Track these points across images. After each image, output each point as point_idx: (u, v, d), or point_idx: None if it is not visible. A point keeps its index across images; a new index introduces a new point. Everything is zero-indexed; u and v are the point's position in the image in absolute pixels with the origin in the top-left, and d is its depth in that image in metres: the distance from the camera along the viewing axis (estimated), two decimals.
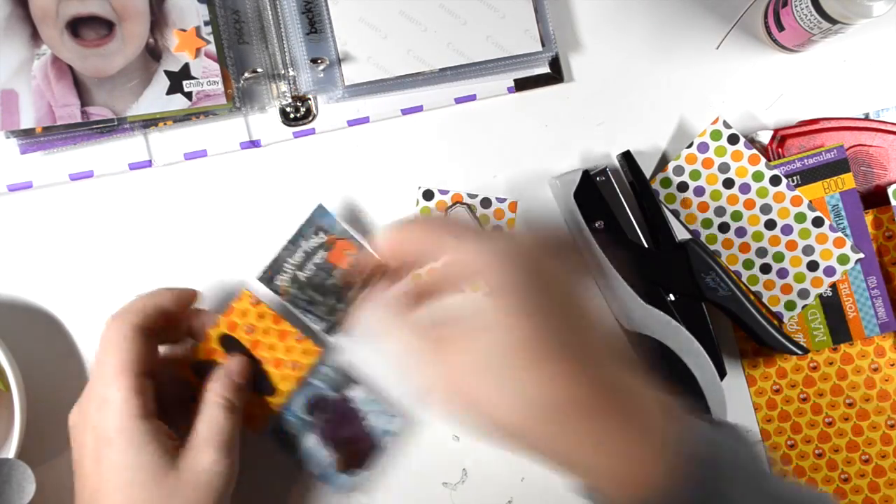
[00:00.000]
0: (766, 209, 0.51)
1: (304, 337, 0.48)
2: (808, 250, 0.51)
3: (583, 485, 0.38)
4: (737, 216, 0.51)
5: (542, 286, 0.36)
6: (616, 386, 0.37)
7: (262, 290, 0.49)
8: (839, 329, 0.51)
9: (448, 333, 0.36)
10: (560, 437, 0.36)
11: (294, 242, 0.48)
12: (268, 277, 0.48)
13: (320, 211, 0.49)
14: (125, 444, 0.41)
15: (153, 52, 0.48)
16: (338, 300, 0.49)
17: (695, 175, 0.51)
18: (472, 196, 0.51)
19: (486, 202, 0.51)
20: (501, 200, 0.51)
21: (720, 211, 0.51)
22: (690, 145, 0.51)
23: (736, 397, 0.51)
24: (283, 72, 0.50)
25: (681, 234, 0.51)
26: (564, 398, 0.35)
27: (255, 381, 0.47)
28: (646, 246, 0.49)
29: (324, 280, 0.48)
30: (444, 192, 0.51)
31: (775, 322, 0.50)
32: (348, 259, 0.49)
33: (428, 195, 0.51)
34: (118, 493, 0.41)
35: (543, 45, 0.51)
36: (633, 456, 0.35)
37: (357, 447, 0.49)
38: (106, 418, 0.41)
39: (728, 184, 0.51)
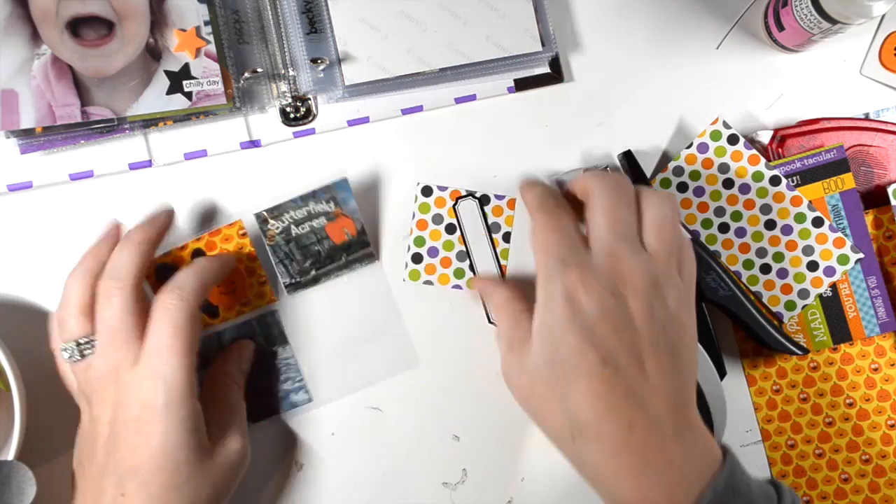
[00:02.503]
0: (765, 209, 0.51)
1: (266, 282, 0.49)
2: (808, 250, 0.51)
3: None
4: (737, 216, 0.51)
5: (588, 314, 0.40)
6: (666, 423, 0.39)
7: (252, 229, 0.49)
8: (839, 329, 0.51)
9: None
10: (587, 463, 0.39)
11: (304, 199, 0.49)
12: (263, 218, 0.49)
13: (343, 184, 0.49)
14: (174, 421, 0.41)
15: (153, 52, 0.48)
16: (314, 266, 0.50)
17: (694, 175, 0.51)
18: (470, 192, 0.51)
19: (485, 199, 0.51)
20: (500, 197, 0.51)
21: (720, 211, 0.51)
22: (690, 145, 0.51)
23: (736, 397, 0.51)
24: (283, 72, 0.50)
25: None
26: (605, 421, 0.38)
27: (206, 303, 0.49)
28: None
29: (311, 243, 0.49)
30: (442, 189, 0.51)
31: (775, 322, 0.50)
32: (343, 236, 0.49)
33: (427, 191, 0.51)
34: (160, 470, 0.40)
35: (543, 45, 0.51)
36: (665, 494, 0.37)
37: (258, 402, 0.50)
38: (158, 394, 0.41)
39: (728, 184, 0.51)
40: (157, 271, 0.48)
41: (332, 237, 0.50)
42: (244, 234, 0.49)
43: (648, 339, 0.39)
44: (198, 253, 0.49)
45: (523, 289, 0.45)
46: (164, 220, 0.47)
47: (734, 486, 0.37)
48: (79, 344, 0.43)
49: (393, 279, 0.51)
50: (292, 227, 0.49)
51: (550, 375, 0.39)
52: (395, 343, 0.51)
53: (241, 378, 0.48)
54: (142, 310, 0.43)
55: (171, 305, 0.42)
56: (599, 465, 0.38)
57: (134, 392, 0.41)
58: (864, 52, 0.52)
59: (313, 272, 0.50)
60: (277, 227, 0.49)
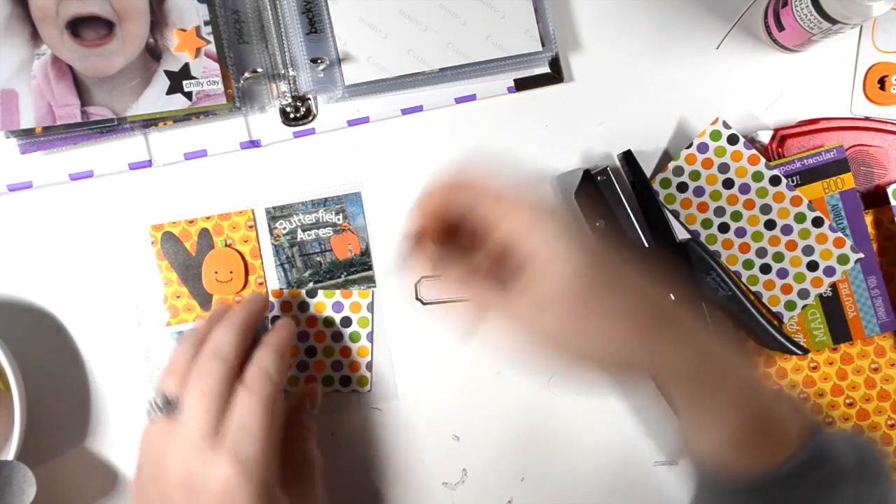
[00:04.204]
0: (765, 209, 0.51)
1: (264, 283, 0.50)
2: (807, 250, 0.51)
3: (689, 450, 0.39)
4: (737, 216, 0.51)
5: (589, 246, 0.37)
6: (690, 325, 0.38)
7: (261, 223, 0.50)
8: (839, 329, 0.51)
9: (508, 282, 0.36)
10: (654, 352, 0.37)
11: (315, 205, 0.49)
12: (273, 215, 0.49)
13: (354, 198, 0.50)
14: (253, 500, 0.40)
15: (153, 52, 0.48)
16: (312, 277, 0.50)
17: (694, 175, 0.51)
18: None
19: None
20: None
21: (720, 211, 0.51)
22: (690, 145, 0.51)
23: None
24: (283, 72, 0.50)
25: (681, 234, 0.51)
26: (646, 318, 0.36)
27: (201, 289, 0.50)
28: (646, 246, 0.49)
29: (314, 252, 0.49)
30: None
31: (775, 322, 0.50)
32: (347, 253, 0.49)
33: None
34: None
35: (543, 45, 0.51)
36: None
37: None
38: (240, 470, 0.40)
39: (728, 184, 0.51)
40: (162, 238, 0.49)
41: (335, 251, 0.50)
42: (252, 227, 0.50)
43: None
44: (204, 234, 0.49)
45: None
46: (261, 307, 0.47)
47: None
48: (168, 401, 0.42)
49: (390, 284, 0.51)
50: (299, 230, 0.49)
51: (599, 261, 0.36)
52: (377, 382, 0.51)
53: (312, 425, 0.47)
54: (230, 389, 0.42)
55: (260, 386, 0.42)
56: (688, 321, 0.37)
57: (213, 465, 0.39)
58: (849, 90, 0.53)
59: (310, 284, 0.50)
60: (285, 228, 0.49)
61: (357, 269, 0.50)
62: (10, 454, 0.44)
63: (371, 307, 0.50)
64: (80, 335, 0.50)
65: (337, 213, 0.50)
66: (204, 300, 0.50)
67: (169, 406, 0.42)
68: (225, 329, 0.44)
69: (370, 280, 0.50)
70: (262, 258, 0.50)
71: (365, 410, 0.51)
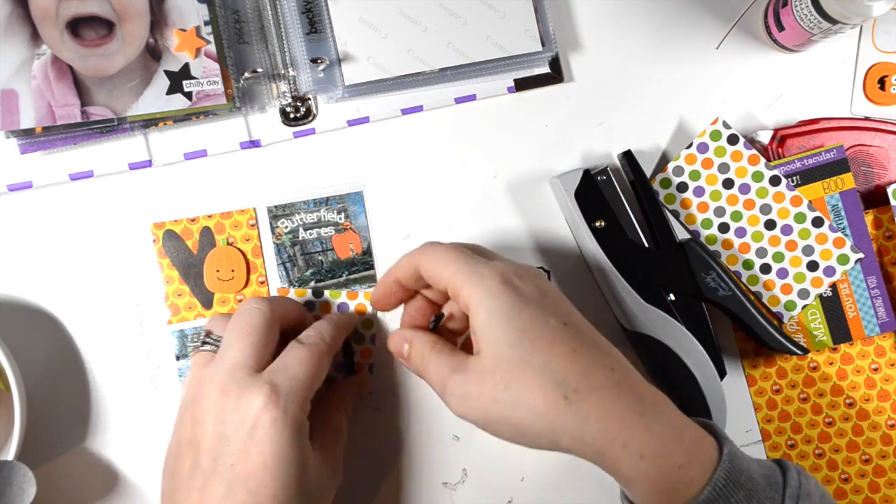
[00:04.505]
0: (765, 209, 0.51)
1: (265, 282, 0.50)
2: (807, 250, 0.51)
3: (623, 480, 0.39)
4: (737, 216, 0.51)
5: (531, 294, 0.39)
6: (630, 373, 0.39)
7: (263, 221, 0.50)
8: (839, 329, 0.51)
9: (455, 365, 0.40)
10: (590, 422, 0.38)
11: (317, 204, 0.49)
12: (274, 214, 0.49)
13: (356, 197, 0.50)
14: (290, 433, 0.40)
15: (153, 52, 0.48)
16: (314, 276, 0.50)
17: (694, 175, 0.51)
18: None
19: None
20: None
21: (720, 211, 0.51)
22: (690, 146, 0.51)
23: (736, 397, 0.51)
24: (283, 72, 0.50)
25: (681, 234, 0.51)
26: (585, 377, 0.38)
27: (202, 287, 0.50)
28: (646, 246, 0.49)
29: (316, 252, 0.49)
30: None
31: (775, 322, 0.50)
32: (348, 252, 0.49)
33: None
34: (273, 480, 0.39)
35: (543, 45, 0.51)
36: (672, 453, 0.37)
37: None
38: (277, 403, 0.40)
39: (728, 184, 0.51)
40: (164, 236, 0.49)
41: (337, 251, 0.50)
42: (253, 226, 0.50)
43: (565, 301, 0.41)
44: (206, 232, 0.49)
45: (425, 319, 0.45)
46: (351, 323, 0.48)
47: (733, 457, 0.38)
48: (212, 336, 0.44)
49: None
50: (301, 229, 0.49)
51: (519, 357, 0.37)
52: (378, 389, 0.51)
53: (351, 408, 0.48)
54: (274, 334, 0.43)
55: (311, 341, 0.43)
56: (603, 415, 0.37)
57: (250, 397, 0.40)
58: (849, 90, 0.53)
59: (312, 283, 0.50)
60: (287, 227, 0.49)
61: (359, 269, 0.50)
62: (10, 454, 0.44)
63: (376, 311, 0.50)
64: (80, 335, 0.50)
65: (339, 213, 0.50)
66: (205, 298, 0.50)
67: (212, 341, 0.43)
68: (327, 322, 0.45)
69: (372, 279, 0.50)
70: (263, 257, 0.50)
71: (365, 410, 0.51)
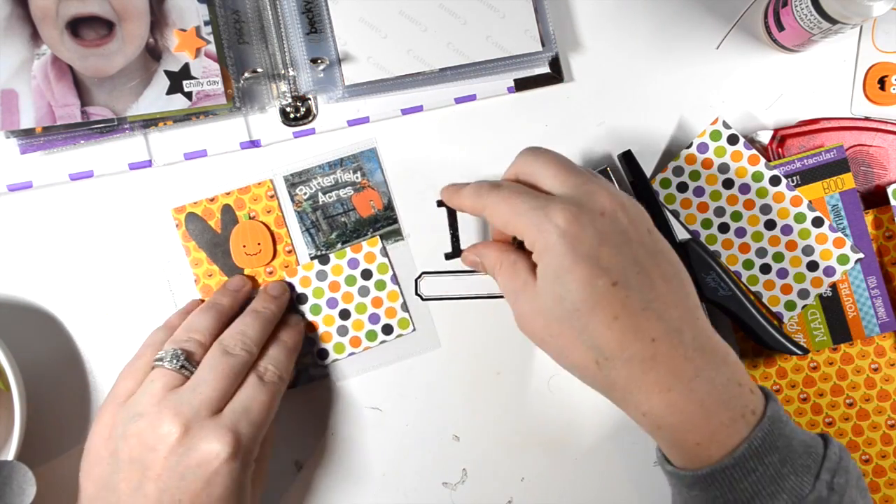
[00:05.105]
0: (765, 209, 0.51)
1: (293, 251, 0.50)
2: (807, 250, 0.51)
3: (658, 436, 0.41)
4: (737, 216, 0.51)
5: (587, 247, 0.39)
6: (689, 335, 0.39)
7: (281, 191, 0.50)
8: (839, 329, 0.51)
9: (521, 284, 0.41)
10: (616, 389, 0.39)
11: (332, 166, 0.50)
12: (291, 182, 0.49)
13: (371, 154, 0.50)
14: (240, 475, 0.42)
15: (153, 52, 0.48)
16: (339, 238, 0.50)
17: (694, 175, 0.51)
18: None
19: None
20: None
21: (720, 211, 0.51)
22: (690, 146, 0.51)
23: None
24: (283, 72, 0.50)
25: (681, 234, 0.51)
26: (632, 349, 0.38)
27: (231, 265, 0.50)
28: None
29: (338, 214, 0.49)
30: None
31: (775, 322, 0.50)
32: (370, 209, 0.50)
33: None
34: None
35: (543, 45, 0.51)
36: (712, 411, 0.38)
37: None
38: (232, 446, 0.41)
39: (728, 184, 0.51)
40: (186, 219, 0.50)
41: (358, 210, 0.50)
42: (272, 197, 0.50)
43: (646, 249, 0.40)
44: (226, 209, 0.50)
45: (509, 239, 0.46)
46: (286, 300, 0.49)
47: (775, 420, 0.39)
48: (189, 360, 0.43)
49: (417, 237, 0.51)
50: (320, 194, 0.49)
51: (563, 312, 0.39)
52: (418, 324, 0.51)
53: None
54: (244, 375, 0.44)
55: (270, 379, 0.44)
56: (629, 385, 0.38)
57: (213, 444, 0.40)
58: (849, 90, 0.53)
59: (339, 246, 0.50)
60: (305, 193, 0.49)
61: (383, 224, 0.50)
62: (10, 454, 0.44)
63: (384, 251, 0.50)
64: (80, 335, 0.50)
65: (355, 172, 0.50)
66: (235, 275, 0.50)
67: (190, 367, 0.43)
68: (254, 319, 0.46)
69: (398, 234, 0.51)
70: (287, 226, 0.50)
71: (365, 410, 0.51)
